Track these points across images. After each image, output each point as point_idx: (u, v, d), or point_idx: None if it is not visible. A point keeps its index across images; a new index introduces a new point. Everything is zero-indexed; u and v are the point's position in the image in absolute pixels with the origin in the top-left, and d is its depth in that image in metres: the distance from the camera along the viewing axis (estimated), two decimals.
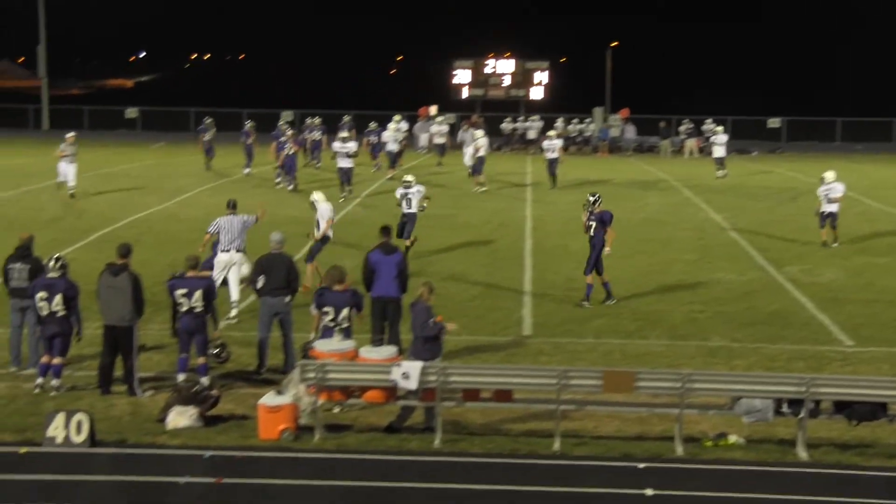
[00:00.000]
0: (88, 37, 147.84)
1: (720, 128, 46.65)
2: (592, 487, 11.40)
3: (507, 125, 58.64)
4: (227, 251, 18.33)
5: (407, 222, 23.78)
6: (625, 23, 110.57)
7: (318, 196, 21.14)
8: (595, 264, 19.61)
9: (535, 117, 57.64)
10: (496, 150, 55.35)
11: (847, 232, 27.46)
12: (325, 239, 20.89)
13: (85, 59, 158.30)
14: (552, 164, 38.17)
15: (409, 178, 24.66)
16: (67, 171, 32.60)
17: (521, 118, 58.60)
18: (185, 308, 14.40)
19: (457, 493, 11.23)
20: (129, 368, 14.26)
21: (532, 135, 55.54)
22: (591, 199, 20.03)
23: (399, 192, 24.30)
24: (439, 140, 48.02)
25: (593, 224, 19.71)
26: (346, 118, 45.15)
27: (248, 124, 41.96)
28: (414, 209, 23.88)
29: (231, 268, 18.26)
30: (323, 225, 20.86)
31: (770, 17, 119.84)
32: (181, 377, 14.31)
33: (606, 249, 19.63)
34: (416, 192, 24.06)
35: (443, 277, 21.80)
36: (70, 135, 33.77)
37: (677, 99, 72.66)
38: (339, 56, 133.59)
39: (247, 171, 39.70)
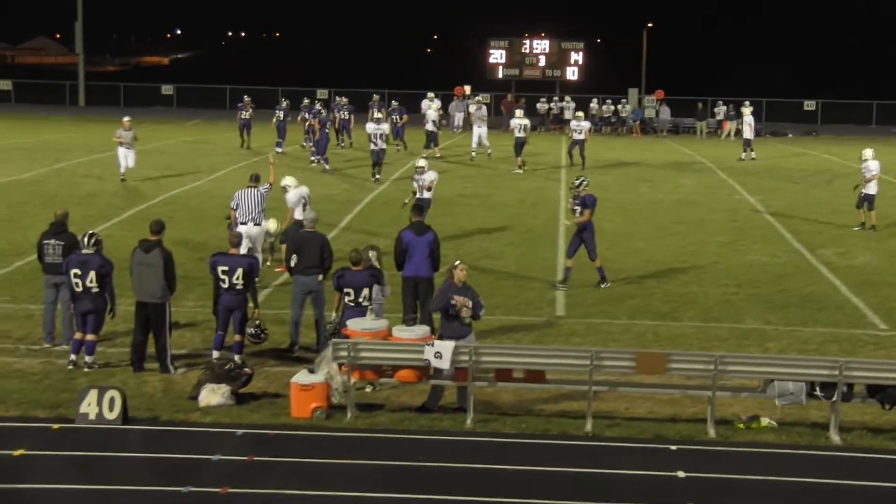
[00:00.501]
0: (125, 14, 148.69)
1: (747, 108, 46.28)
2: (624, 469, 11.38)
3: (542, 105, 58.55)
4: (245, 223, 18.51)
5: (424, 207, 23.10)
6: (662, 3, 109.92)
7: (289, 181, 20.31)
8: (594, 247, 19.42)
9: (568, 98, 57.54)
10: (532, 130, 55.34)
11: (882, 215, 27.26)
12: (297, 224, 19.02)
13: (122, 36, 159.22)
14: (576, 144, 38.02)
15: (422, 163, 24.00)
16: (126, 156, 31.72)
17: (556, 98, 58.42)
18: (226, 285, 14.46)
19: (488, 473, 11.23)
20: (162, 345, 14.35)
21: (568, 115, 55.35)
22: (577, 182, 19.91)
23: (414, 177, 23.67)
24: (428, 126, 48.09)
25: (578, 208, 19.57)
26: (376, 97, 45.13)
27: (284, 102, 42.14)
28: (428, 195, 23.40)
29: (252, 242, 18.40)
30: (296, 212, 19.66)
31: None
32: (216, 355, 14.40)
33: (566, 221, 19.19)
34: (430, 177, 23.47)
35: (477, 257, 21.80)
36: (126, 119, 32.85)
37: (713, 80, 72.26)
38: (374, 35, 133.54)
39: (279, 149, 39.74)
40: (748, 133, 43.38)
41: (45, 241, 15.29)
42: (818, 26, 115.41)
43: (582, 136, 37.92)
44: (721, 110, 56.83)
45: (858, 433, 12.50)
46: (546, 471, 11.28)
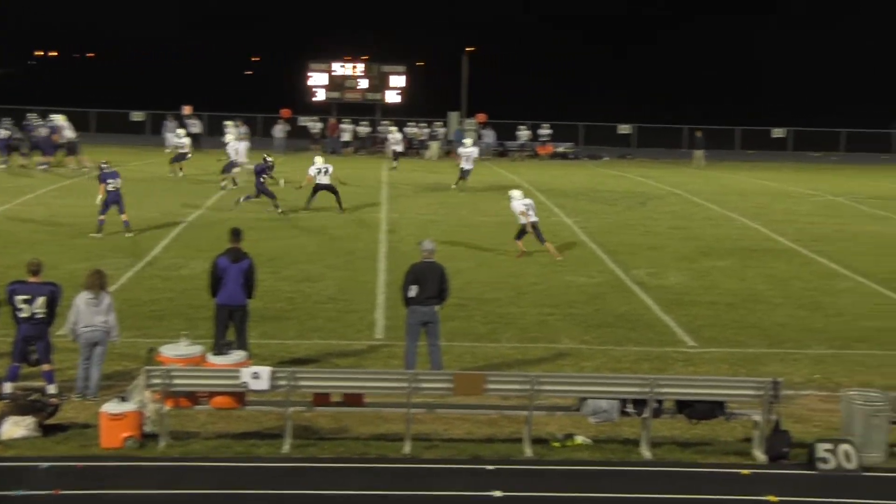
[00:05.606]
0: None
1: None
2: (442, 490, 11.45)
3: (362, 129, 58.97)
4: None
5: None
6: (485, 28, 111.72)
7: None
8: None
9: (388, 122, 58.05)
10: (354, 152, 55.44)
11: (693, 235, 28.24)
12: None
13: None
14: (466, 173, 38.57)
15: (518, 191, 26.26)
16: None
17: (387, 123, 58.62)
18: (26, 314, 13.92)
19: (306, 499, 11.15)
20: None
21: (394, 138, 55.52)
22: None
23: (524, 202, 25.42)
24: (398, 147, 48.95)
25: None
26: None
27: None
28: (535, 217, 25.39)
29: None
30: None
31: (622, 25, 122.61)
32: (8, 387, 13.82)
33: None
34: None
35: (297, 280, 21.67)
36: None
37: (534, 104, 73.72)
38: (193, 56, 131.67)
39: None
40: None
41: None
42: (637, 52, 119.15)
43: (470, 165, 38.35)
44: (525, 134, 58.67)
45: (668, 447, 12.89)
46: (364, 494, 11.25)
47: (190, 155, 40.71)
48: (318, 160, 31.83)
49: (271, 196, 30.82)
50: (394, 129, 51.03)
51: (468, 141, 40.80)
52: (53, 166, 41.22)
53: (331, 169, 31.46)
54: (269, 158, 31.85)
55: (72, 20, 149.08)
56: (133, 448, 12.24)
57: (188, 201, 32.35)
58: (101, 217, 26.02)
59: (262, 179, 30.85)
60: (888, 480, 12.32)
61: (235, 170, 36.66)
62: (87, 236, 25.68)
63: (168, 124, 54.87)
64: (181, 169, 39.98)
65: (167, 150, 50.50)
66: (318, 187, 31.11)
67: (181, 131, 42.58)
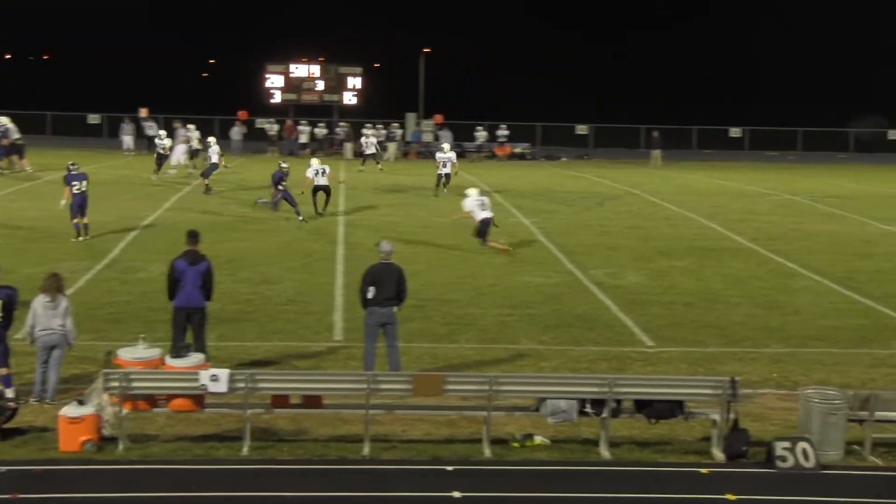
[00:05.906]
0: None
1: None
2: (401, 491, 11.45)
3: (319, 130, 59.00)
4: None
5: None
6: (439, 29, 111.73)
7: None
8: None
9: (344, 124, 58.11)
10: (312, 154, 55.26)
11: (650, 235, 28.38)
12: None
13: None
14: (444, 178, 37.62)
15: (474, 189, 26.78)
16: None
17: (342, 124, 58.74)
18: None
19: (265, 501, 11.11)
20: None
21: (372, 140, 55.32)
22: None
23: (476, 199, 26.03)
24: (370, 150, 48.74)
25: None
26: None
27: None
28: (490, 213, 25.93)
29: None
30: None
31: (574, 25, 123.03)
32: None
33: None
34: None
35: (255, 283, 21.59)
36: None
37: (492, 105, 73.84)
38: (150, 58, 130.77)
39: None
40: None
41: None
42: (592, 53, 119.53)
43: (448, 170, 37.53)
44: (482, 135, 59.22)
45: (627, 447, 12.95)
46: (323, 496, 11.24)
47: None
48: (314, 162, 31.98)
49: (274, 206, 31.27)
50: (368, 132, 50.86)
51: (446, 146, 40.30)
52: (5, 169, 40.90)
53: (327, 169, 31.75)
54: (284, 165, 31.41)
55: (26, 21, 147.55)
56: (91, 451, 12.16)
57: (146, 203, 32.17)
58: (75, 221, 25.80)
59: (280, 187, 30.79)
60: (846, 478, 12.47)
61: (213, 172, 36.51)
62: (69, 242, 25.43)
63: (125, 127, 54.57)
64: (155, 172, 39.78)
65: (125, 154, 50.38)
66: (316, 188, 31.33)
67: (163, 132, 42.12)
